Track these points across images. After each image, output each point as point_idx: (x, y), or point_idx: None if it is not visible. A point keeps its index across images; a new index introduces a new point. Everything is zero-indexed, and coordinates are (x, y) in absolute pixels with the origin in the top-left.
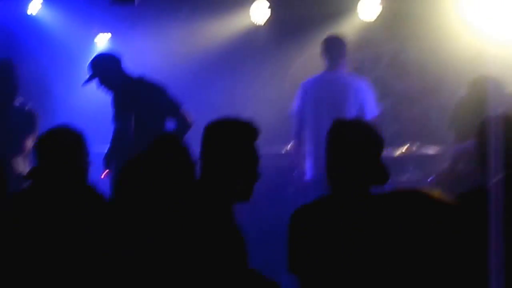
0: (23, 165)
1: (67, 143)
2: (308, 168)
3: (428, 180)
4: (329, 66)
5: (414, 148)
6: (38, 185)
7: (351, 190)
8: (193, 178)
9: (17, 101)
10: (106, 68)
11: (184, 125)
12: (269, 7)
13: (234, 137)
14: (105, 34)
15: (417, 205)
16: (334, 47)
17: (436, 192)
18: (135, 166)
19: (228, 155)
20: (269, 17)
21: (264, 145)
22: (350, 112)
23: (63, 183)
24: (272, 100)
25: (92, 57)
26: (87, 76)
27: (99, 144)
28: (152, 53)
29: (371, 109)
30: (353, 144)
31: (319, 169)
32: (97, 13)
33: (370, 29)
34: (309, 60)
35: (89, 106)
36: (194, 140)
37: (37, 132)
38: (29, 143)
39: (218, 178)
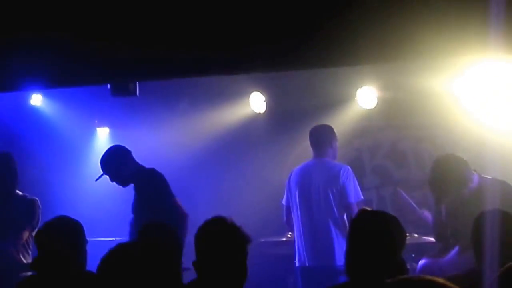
0: (25, 253)
1: (64, 233)
2: (297, 255)
3: (418, 264)
4: (315, 154)
5: (415, 235)
6: (40, 275)
7: (368, 281)
8: (178, 266)
9: (19, 191)
10: (116, 163)
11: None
12: (264, 101)
13: (225, 242)
14: (105, 126)
15: None
16: (318, 136)
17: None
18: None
19: (218, 259)
20: (269, 107)
21: (264, 233)
22: (332, 198)
23: (63, 272)
24: (271, 187)
25: (102, 153)
26: (100, 173)
27: (98, 234)
28: (152, 143)
29: (354, 194)
30: (374, 237)
31: (302, 256)
32: (98, 104)
33: (369, 117)
34: (309, 149)
35: (88, 197)
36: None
37: (38, 221)
38: (30, 231)
39: (209, 278)
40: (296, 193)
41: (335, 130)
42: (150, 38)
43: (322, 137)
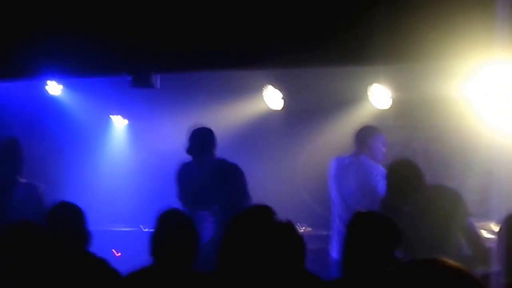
0: None
1: (64, 218)
2: (333, 247)
3: None
4: (354, 150)
5: None
6: None
7: (363, 276)
8: None
9: (22, 178)
10: (211, 142)
11: None
12: (282, 98)
13: None
14: (122, 116)
15: (438, 273)
16: (355, 135)
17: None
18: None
19: None
20: (286, 103)
21: None
22: (364, 197)
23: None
24: (286, 183)
25: (193, 129)
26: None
27: (104, 222)
28: (169, 136)
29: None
30: (368, 237)
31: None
32: (116, 96)
33: (382, 116)
34: (322, 145)
35: (102, 185)
36: None
37: (42, 207)
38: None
39: None
40: (334, 187)
41: (348, 127)
42: (171, 31)
43: (358, 136)
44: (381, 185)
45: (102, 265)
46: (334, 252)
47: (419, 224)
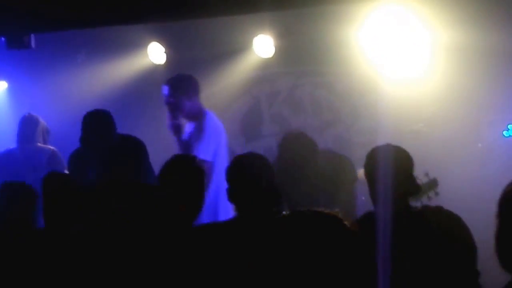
0: None
1: None
2: None
3: None
4: None
5: None
6: None
7: (253, 214)
8: None
9: None
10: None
11: None
12: (165, 51)
13: None
14: (2, 80)
15: (318, 225)
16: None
17: (335, 213)
18: None
19: None
20: (167, 57)
21: None
22: None
23: None
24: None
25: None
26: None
27: None
28: (49, 98)
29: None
30: (249, 175)
31: None
32: None
33: (266, 65)
34: (208, 97)
35: None
36: None
37: None
38: None
39: None
40: None
41: (233, 78)
42: None
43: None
44: None
45: None
46: None
47: (312, 190)
